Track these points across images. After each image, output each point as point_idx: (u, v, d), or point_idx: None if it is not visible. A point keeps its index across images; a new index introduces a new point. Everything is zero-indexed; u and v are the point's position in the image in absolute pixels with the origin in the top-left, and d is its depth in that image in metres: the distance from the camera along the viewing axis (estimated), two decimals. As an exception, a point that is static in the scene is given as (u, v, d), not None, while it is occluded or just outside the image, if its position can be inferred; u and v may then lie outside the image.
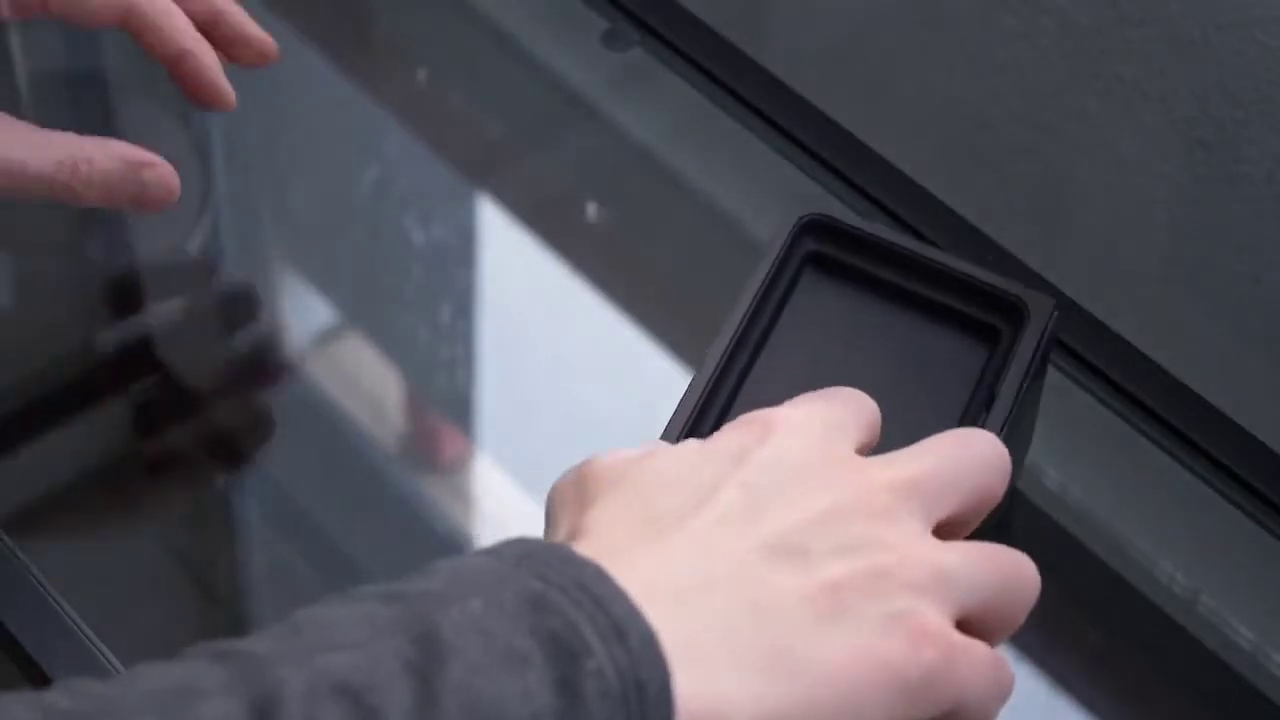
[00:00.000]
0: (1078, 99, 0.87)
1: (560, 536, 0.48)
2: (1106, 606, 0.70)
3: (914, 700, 0.45)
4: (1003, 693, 0.48)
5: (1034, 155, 0.89)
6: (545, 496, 0.51)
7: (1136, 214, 0.87)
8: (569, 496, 0.49)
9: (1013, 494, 0.69)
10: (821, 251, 0.64)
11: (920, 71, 0.92)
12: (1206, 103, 0.81)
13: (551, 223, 0.81)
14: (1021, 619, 0.49)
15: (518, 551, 0.44)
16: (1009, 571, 0.49)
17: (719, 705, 0.43)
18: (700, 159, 0.85)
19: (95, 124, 0.86)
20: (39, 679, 0.62)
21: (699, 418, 0.60)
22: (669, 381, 0.72)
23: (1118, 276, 0.85)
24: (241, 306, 0.80)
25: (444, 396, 0.75)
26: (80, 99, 0.86)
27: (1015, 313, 0.62)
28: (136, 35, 0.68)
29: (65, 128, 0.65)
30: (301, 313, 0.77)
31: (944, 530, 0.50)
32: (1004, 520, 0.65)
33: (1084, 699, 0.67)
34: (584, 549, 0.46)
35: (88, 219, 0.80)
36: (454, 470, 0.74)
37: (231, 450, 0.75)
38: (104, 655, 0.62)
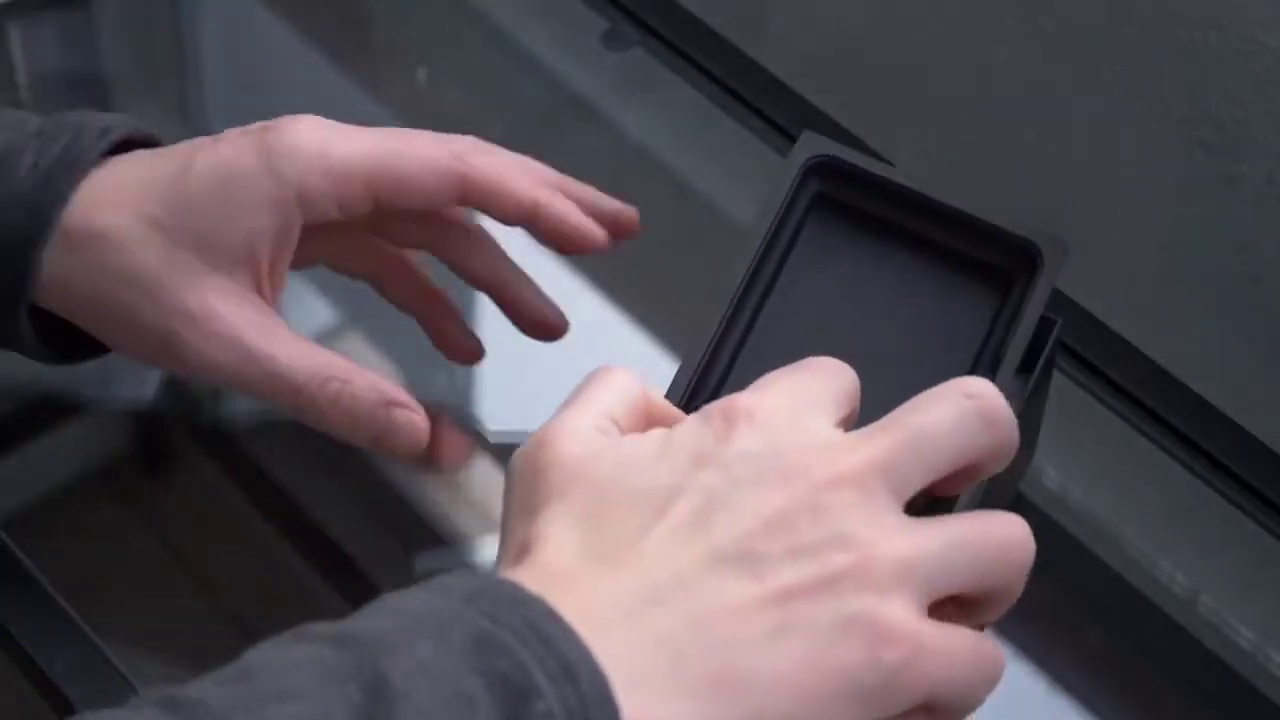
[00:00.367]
0: (1078, 99, 0.87)
1: (514, 544, 0.48)
2: (1106, 606, 0.70)
3: (877, 702, 0.45)
4: (988, 676, 0.46)
5: (1034, 155, 0.89)
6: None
7: (1136, 214, 0.87)
8: (525, 484, 0.48)
9: (1016, 485, 0.69)
10: (827, 193, 0.62)
11: (920, 72, 0.92)
12: (1206, 103, 0.81)
13: (551, 223, 0.81)
14: (1018, 584, 0.48)
15: (467, 588, 0.44)
16: (991, 540, 0.47)
17: None
18: (700, 159, 0.85)
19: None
20: (39, 679, 0.62)
21: (706, 369, 0.59)
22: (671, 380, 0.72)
23: (1118, 276, 0.85)
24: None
25: (444, 396, 0.75)
26: (80, 99, 0.86)
27: (1027, 257, 0.60)
28: (479, 207, 0.63)
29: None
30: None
31: (939, 489, 0.48)
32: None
33: (1084, 699, 0.67)
34: (534, 569, 0.46)
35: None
36: (454, 470, 0.74)
37: (231, 450, 0.75)
38: (104, 655, 0.62)
